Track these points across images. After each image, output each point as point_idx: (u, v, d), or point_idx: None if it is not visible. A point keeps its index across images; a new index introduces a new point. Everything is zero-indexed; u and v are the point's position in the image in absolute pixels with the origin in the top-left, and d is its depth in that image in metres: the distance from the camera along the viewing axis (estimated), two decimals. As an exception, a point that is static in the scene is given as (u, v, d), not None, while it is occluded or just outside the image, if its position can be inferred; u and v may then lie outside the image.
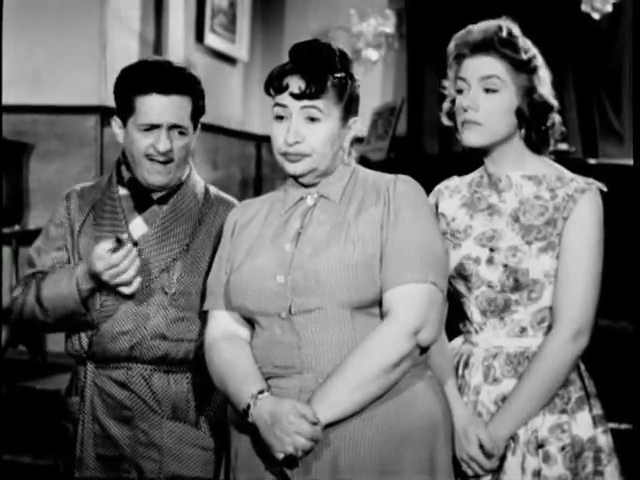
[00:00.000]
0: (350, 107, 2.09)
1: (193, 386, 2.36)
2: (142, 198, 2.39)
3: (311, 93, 2.02)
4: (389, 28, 6.37)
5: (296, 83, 2.03)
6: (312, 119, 2.04)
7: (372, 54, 6.36)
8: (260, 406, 1.96)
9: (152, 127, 2.31)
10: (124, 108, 2.34)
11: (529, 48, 2.20)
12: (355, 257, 2.00)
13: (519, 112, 2.19)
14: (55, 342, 5.22)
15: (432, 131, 6.55)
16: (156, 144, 2.30)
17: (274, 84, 2.06)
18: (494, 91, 2.17)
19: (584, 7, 5.57)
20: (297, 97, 2.03)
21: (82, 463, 2.36)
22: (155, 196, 2.40)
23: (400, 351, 1.97)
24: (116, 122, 2.38)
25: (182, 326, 2.34)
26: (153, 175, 2.34)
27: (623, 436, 2.44)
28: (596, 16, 5.58)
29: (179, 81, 2.32)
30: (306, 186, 2.11)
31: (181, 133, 2.34)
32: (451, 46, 2.23)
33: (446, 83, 2.28)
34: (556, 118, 2.23)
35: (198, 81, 2.38)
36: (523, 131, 2.21)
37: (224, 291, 2.14)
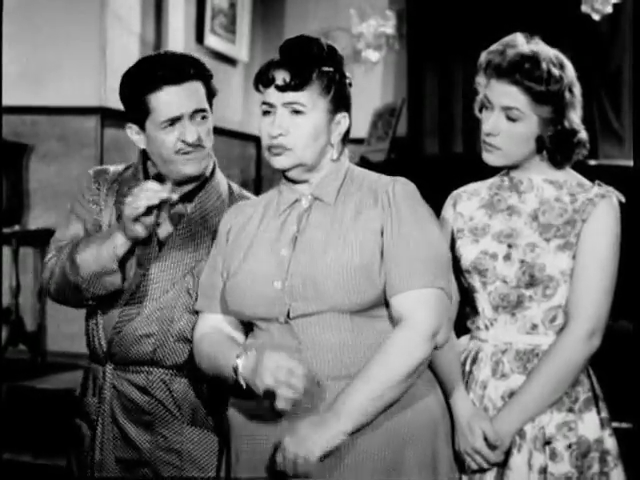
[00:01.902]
0: (338, 102, 2.07)
1: (213, 391, 2.28)
2: None
3: (295, 85, 2.02)
4: (389, 29, 6.38)
5: (281, 76, 2.04)
6: (296, 112, 2.04)
7: (372, 55, 6.37)
8: (249, 356, 1.96)
9: (174, 121, 2.24)
10: (138, 112, 2.26)
11: (556, 76, 2.18)
12: (354, 261, 2.00)
13: (539, 140, 2.20)
14: (55, 342, 5.23)
15: (432, 132, 6.56)
16: (183, 137, 2.23)
17: (262, 78, 2.07)
18: (515, 120, 2.17)
19: (584, 8, 5.57)
20: (281, 89, 2.03)
21: (102, 466, 2.31)
22: (180, 192, 2.31)
23: (421, 356, 1.97)
24: (132, 129, 2.30)
25: None
26: (188, 167, 2.27)
27: (623, 435, 2.44)
28: (596, 17, 5.58)
29: (186, 67, 2.25)
30: (296, 182, 2.10)
31: (204, 117, 2.27)
32: (483, 58, 2.21)
33: (479, 80, 2.24)
34: (582, 137, 2.23)
35: (203, 63, 2.31)
36: (545, 153, 2.22)
37: (220, 296, 2.13)
